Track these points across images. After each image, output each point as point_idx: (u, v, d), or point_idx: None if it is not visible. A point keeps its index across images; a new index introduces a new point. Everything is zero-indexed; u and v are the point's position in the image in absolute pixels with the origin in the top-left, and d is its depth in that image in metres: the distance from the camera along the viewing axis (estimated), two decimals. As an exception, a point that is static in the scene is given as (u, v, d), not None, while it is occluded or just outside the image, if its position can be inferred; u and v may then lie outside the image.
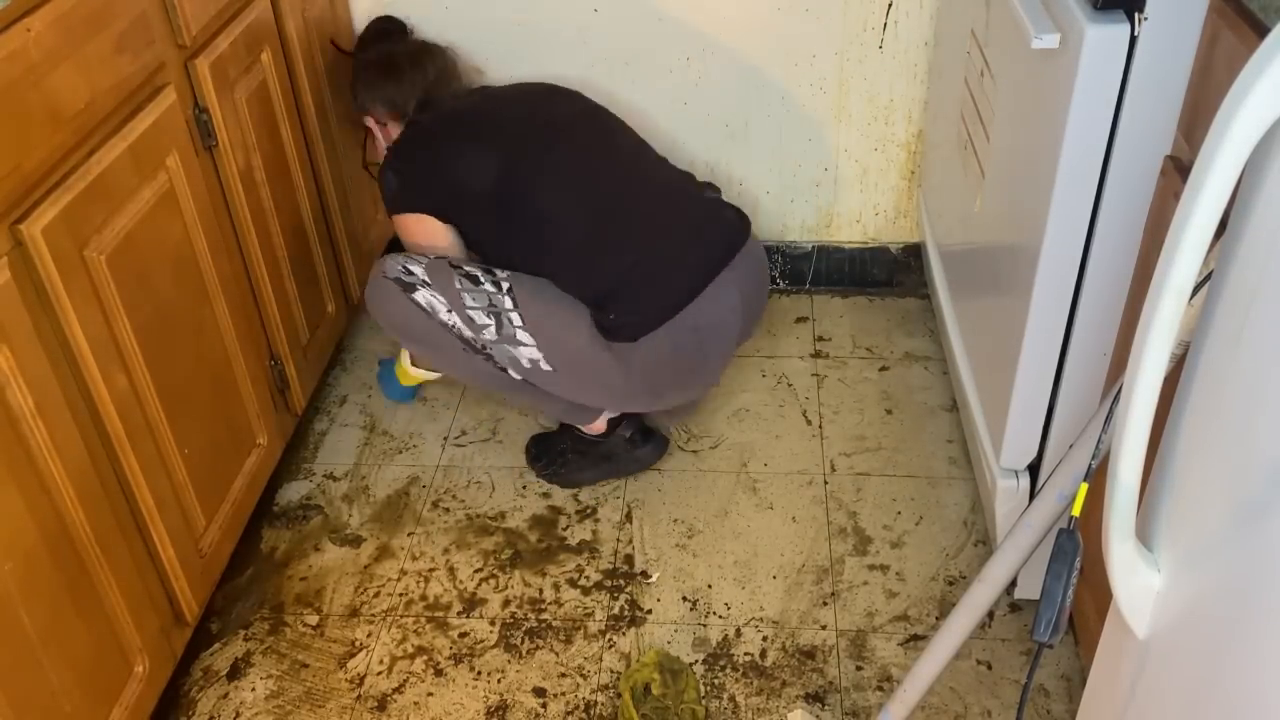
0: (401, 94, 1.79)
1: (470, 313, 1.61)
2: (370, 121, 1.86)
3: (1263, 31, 0.95)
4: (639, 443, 1.84)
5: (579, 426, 1.82)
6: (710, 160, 2.17)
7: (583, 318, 1.60)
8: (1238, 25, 1.00)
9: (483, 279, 1.62)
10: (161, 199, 1.38)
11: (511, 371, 1.64)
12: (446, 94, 1.81)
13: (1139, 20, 1.12)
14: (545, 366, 1.62)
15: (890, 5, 1.99)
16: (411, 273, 1.63)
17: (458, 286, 1.61)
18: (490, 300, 1.61)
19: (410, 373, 1.91)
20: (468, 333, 1.61)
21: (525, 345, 1.61)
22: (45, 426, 1.15)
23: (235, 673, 1.57)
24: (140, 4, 1.34)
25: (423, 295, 1.62)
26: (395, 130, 1.81)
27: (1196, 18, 1.09)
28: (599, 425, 1.81)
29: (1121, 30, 1.14)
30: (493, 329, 1.60)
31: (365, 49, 1.90)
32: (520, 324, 1.60)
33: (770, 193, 2.21)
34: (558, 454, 1.85)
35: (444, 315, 1.61)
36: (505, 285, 1.62)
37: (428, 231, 1.69)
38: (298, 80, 1.81)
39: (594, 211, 1.64)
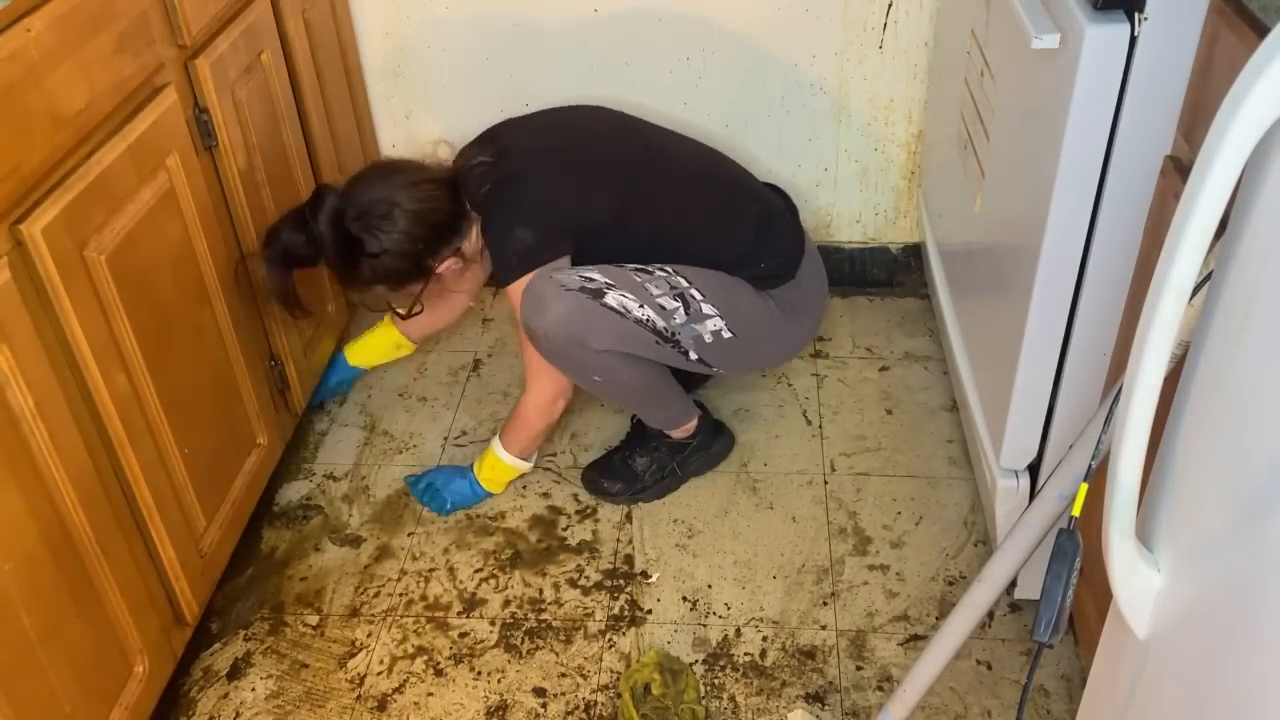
0: (462, 207, 1.64)
1: (659, 301, 1.60)
2: (444, 264, 1.65)
3: (1263, 31, 0.95)
4: (716, 437, 1.87)
5: (670, 433, 1.81)
6: (710, 160, 2.18)
7: (739, 279, 1.68)
8: (1238, 25, 1.00)
9: (650, 268, 1.63)
10: (162, 199, 1.38)
11: (692, 352, 1.65)
12: (472, 166, 1.65)
13: (1139, 20, 1.12)
14: (727, 334, 1.65)
15: (890, 5, 1.99)
16: (593, 279, 1.57)
17: (638, 280, 1.60)
18: (669, 283, 1.62)
19: (505, 463, 1.78)
20: (660, 322, 1.60)
21: (710, 317, 1.63)
22: (45, 427, 1.15)
23: (235, 673, 1.57)
24: (140, 4, 1.34)
25: (613, 297, 1.57)
26: (472, 240, 1.67)
27: (1196, 18, 1.09)
28: (690, 428, 1.81)
29: (1121, 30, 1.14)
30: (682, 310, 1.61)
31: (359, 237, 1.59)
32: (702, 297, 1.63)
33: (770, 193, 2.21)
34: (633, 470, 1.81)
35: (637, 312, 1.59)
36: (670, 269, 1.63)
37: None
38: (298, 80, 1.81)
39: (700, 186, 1.72)
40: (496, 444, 1.78)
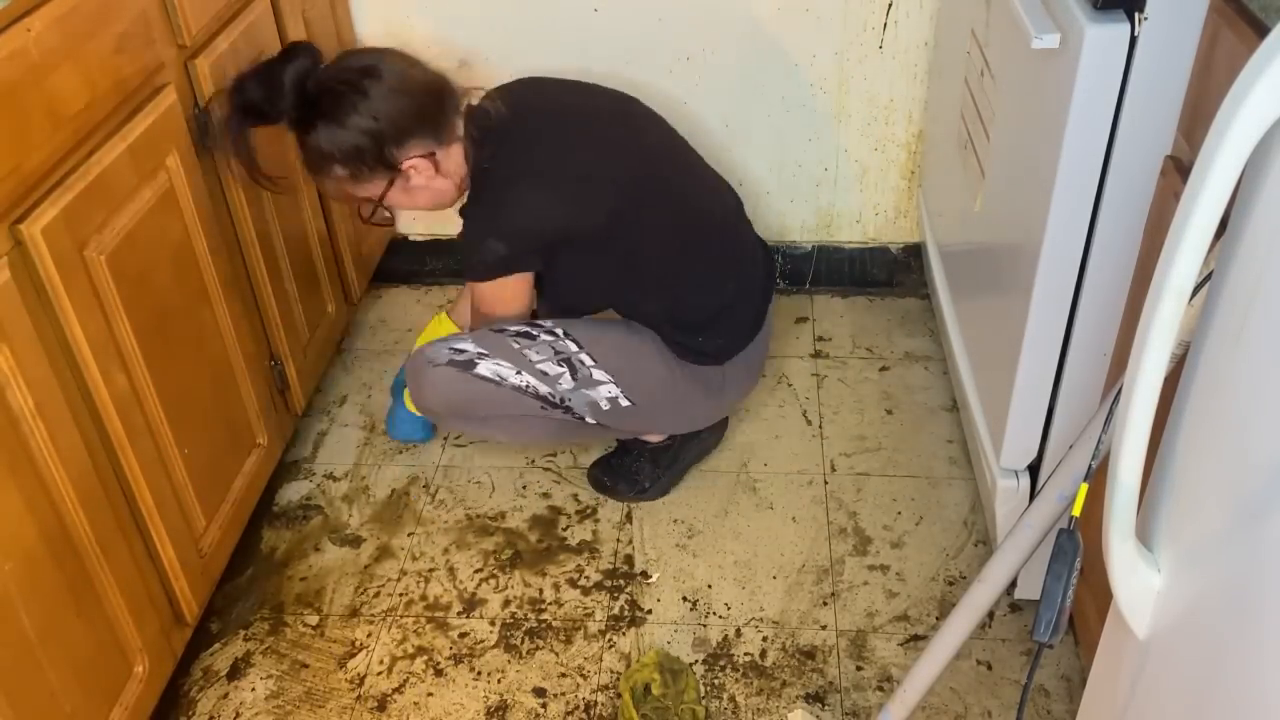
0: (447, 115, 1.50)
1: (540, 367, 1.55)
2: (410, 164, 1.49)
3: (1263, 31, 0.95)
4: (701, 432, 1.84)
5: (647, 439, 1.80)
6: (710, 160, 2.16)
7: (652, 344, 1.61)
8: (1238, 25, 1.00)
9: (535, 332, 1.57)
10: (161, 199, 1.38)
11: (589, 417, 1.61)
12: (485, 108, 1.54)
13: (1139, 20, 1.12)
14: (624, 402, 1.61)
15: (890, 5, 1.99)
16: (463, 350, 1.55)
17: (515, 346, 1.56)
18: (554, 349, 1.57)
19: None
20: (544, 389, 1.56)
21: (602, 384, 1.59)
22: (45, 426, 1.15)
23: (235, 673, 1.57)
24: (140, 4, 1.34)
25: (485, 367, 1.55)
26: (452, 158, 1.53)
27: (1196, 18, 1.10)
28: (658, 436, 1.80)
29: (1121, 30, 1.14)
30: (568, 375, 1.57)
31: (343, 95, 1.45)
32: (593, 363, 1.58)
33: (770, 193, 2.21)
34: (632, 473, 1.80)
35: (514, 379, 1.55)
36: (560, 331, 1.58)
37: (521, 293, 1.57)
38: (298, 80, 1.81)
39: (694, 244, 1.62)
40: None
